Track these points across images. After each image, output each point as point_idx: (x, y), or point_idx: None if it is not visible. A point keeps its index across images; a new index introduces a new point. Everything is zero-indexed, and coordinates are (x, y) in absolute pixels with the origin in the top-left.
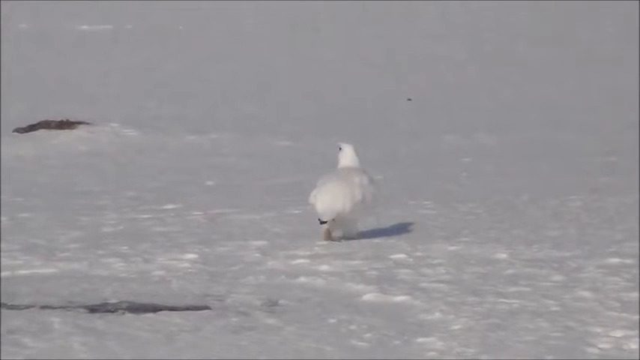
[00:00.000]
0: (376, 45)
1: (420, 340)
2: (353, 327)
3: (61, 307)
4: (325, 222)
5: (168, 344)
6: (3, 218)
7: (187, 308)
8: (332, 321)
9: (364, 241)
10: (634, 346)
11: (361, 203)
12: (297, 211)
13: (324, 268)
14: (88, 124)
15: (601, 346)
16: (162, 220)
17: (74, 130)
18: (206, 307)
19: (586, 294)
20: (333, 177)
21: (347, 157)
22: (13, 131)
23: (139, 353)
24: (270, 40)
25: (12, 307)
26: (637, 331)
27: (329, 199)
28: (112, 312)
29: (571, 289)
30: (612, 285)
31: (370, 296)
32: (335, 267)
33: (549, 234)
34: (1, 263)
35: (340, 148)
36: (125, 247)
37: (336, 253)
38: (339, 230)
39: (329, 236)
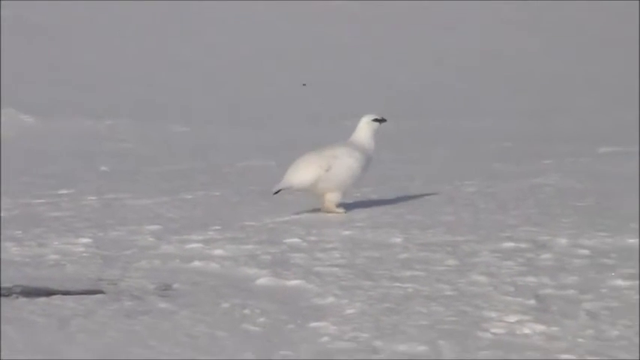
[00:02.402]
0: (272, 32)
1: (314, 324)
2: (246, 311)
3: None
4: (277, 192)
5: (62, 329)
6: None
7: (81, 292)
8: (225, 305)
9: (258, 226)
10: (527, 330)
11: (328, 173)
12: (190, 196)
13: (217, 252)
14: None
15: (494, 330)
16: (56, 204)
17: None
18: (100, 292)
19: (480, 278)
20: (312, 151)
21: (356, 129)
22: None
23: (32, 337)
24: (170, 29)
25: None
26: (531, 316)
27: (289, 172)
28: (6, 296)
29: (465, 273)
30: (506, 269)
31: (264, 280)
32: (229, 251)
33: (443, 219)
34: None
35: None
36: (19, 232)
37: (230, 238)
38: (330, 199)
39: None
